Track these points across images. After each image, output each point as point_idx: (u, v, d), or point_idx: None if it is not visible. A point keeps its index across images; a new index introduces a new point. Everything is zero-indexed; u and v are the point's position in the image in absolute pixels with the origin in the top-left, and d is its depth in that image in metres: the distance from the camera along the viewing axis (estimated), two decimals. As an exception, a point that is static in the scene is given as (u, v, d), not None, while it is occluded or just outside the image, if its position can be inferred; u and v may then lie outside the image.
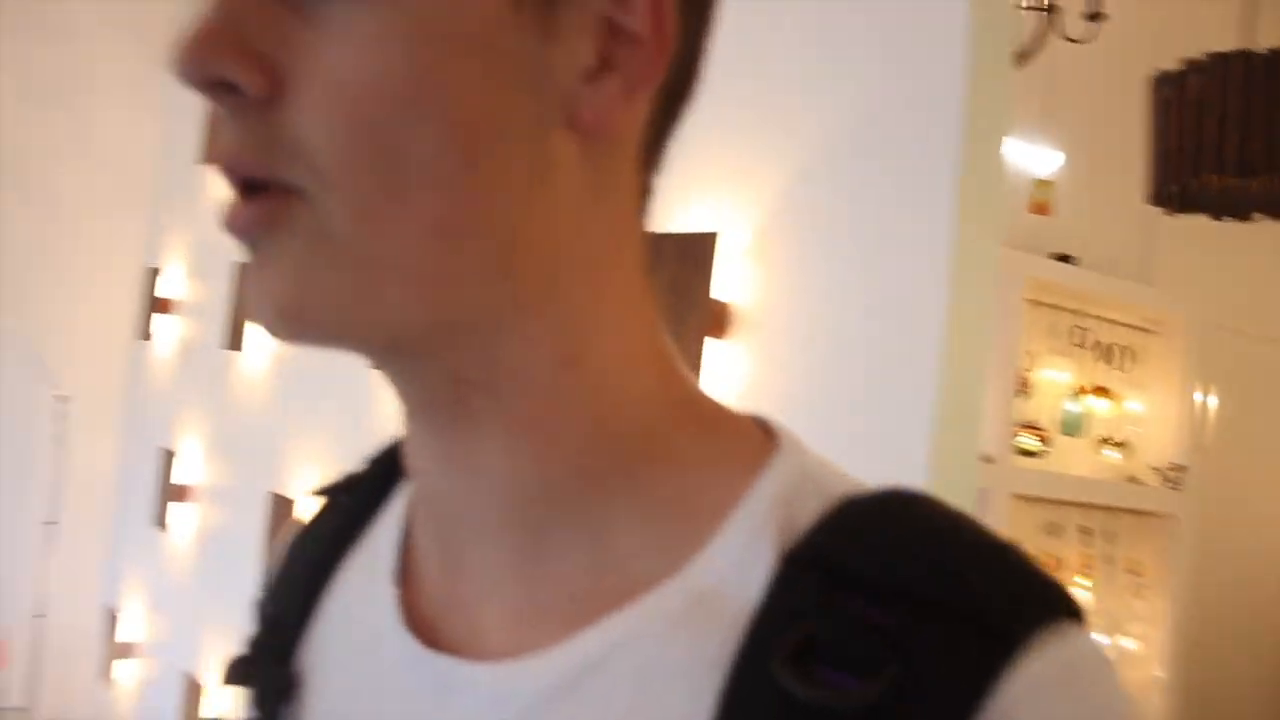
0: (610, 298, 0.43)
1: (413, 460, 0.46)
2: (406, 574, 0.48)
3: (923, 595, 0.37)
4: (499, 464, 0.42)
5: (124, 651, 3.55)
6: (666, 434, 0.44)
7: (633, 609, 0.41)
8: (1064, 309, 4.06)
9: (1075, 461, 3.96)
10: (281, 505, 2.72)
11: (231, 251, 2.41)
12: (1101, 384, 4.18)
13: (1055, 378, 4.15)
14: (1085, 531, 3.81)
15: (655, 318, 0.45)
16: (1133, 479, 3.99)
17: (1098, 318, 4.23)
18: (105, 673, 3.60)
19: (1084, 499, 3.75)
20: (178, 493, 3.30)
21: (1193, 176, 2.83)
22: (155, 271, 3.70)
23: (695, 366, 1.76)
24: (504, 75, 0.38)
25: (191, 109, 3.69)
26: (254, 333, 3.03)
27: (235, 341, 3.10)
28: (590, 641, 0.41)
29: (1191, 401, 4.28)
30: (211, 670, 3.00)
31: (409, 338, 0.40)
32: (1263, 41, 2.78)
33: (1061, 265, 3.84)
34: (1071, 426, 4.03)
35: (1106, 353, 4.29)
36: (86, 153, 3.72)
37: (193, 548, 3.27)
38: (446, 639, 0.44)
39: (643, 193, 0.45)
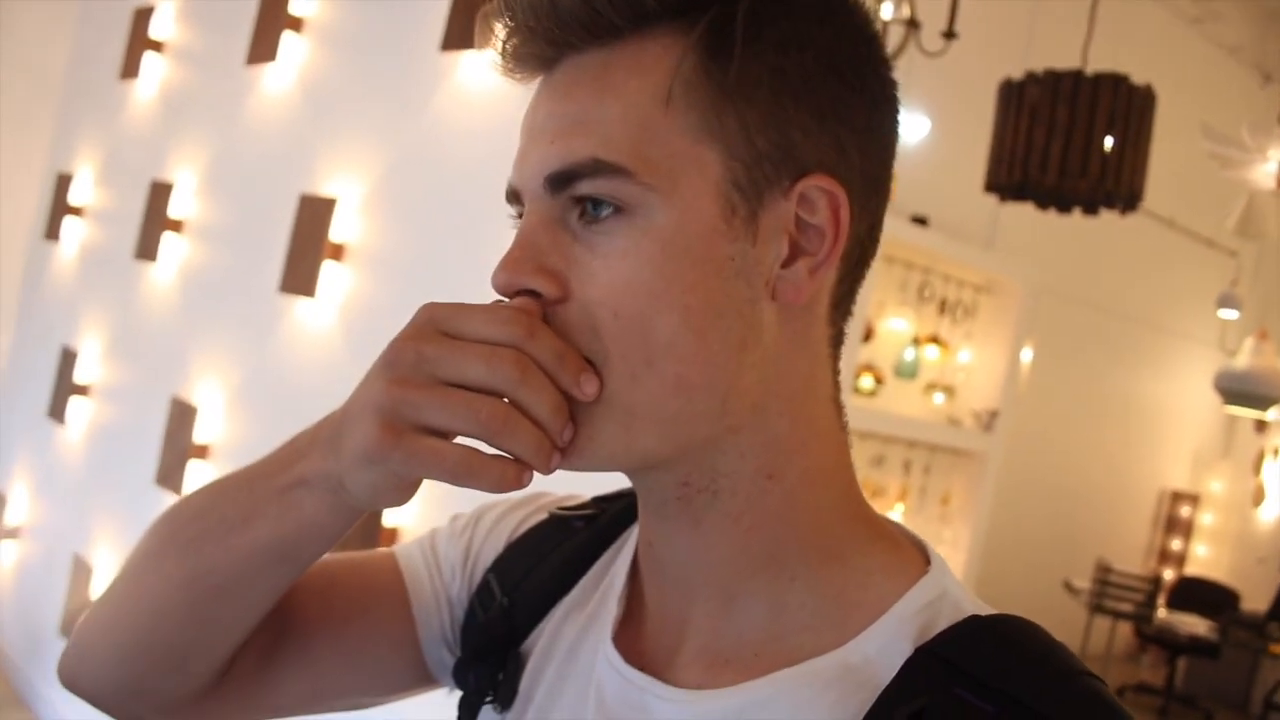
0: (804, 427, 0.54)
1: (645, 533, 0.58)
2: (629, 607, 0.61)
3: (1015, 695, 0.47)
4: (709, 546, 0.54)
5: (10, 533, 3.66)
6: (841, 540, 0.55)
7: (797, 669, 0.52)
8: (915, 265, 4.44)
9: (905, 402, 4.39)
10: (181, 408, 2.88)
11: (146, 166, 2.61)
12: (937, 335, 4.62)
13: (898, 327, 4.56)
14: (907, 465, 4.26)
15: (843, 440, 0.56)
16: (953, 420, 4.43)
17: (944, 275, 4.64)
18: (-12, 552, 3.70)
19: (908, 436, 4.19)
20: (77, 389, 3.40)
21: (1023, 173, 3.20)
22: (67, 177, 3.72)
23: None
24: (723, 272, 0.50)
25: (109, 23, 3.69)
26: (168, 244, 3.13)
27: (148, 251, 3.19)
28: (761, 688, 0.52)
29: (1014, 355, 4.78)
30: (101, 555, 3.16)
31: (655, 462, 0.52)
32: (1094, 65, 3.16)
33: (916, 227, 4.19)
34: (906, 371, 4.47)
35: (948, 307, 4.71)
36: (1, 58, 3.68)
37: (88, 442, 3.39)
38: (648, 665, 0.57)
39: (835, 339, 0.56)
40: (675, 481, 0.54)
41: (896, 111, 0.55)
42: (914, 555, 0.56)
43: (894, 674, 0.49)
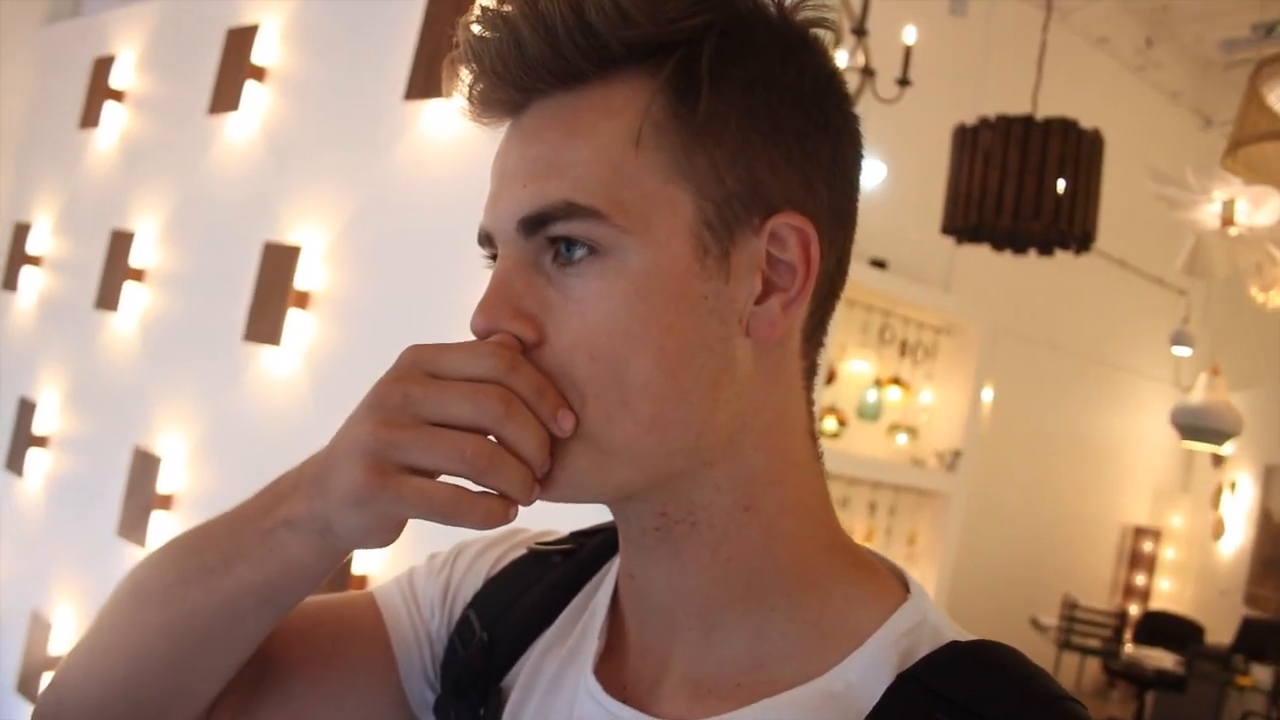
0: (780, 459, 0.55)
1: (626, 564, 0.59)
2: (610, 639, 0.62)
3: (990, 717, 0.48)
4: (689, 576, 0.55)
5: (-37, 590, 3.58)
6: (820, 569, 0.55)
7: (780, 698, 0.52)
8: (876, 308, 4.51)
9: (869, 444, 4.44)
10: (143, 459, 2.84)
11: (107, 215, 2.58)
12: (899, 376, 4.68)
13: (860, 369, 4.63)
14: (872, 506, 4.30)
15: (819, 471, 0.57)
16: (917, 461, 4.48)
17: (904, 318, 4.72)
18: (-59, 610, 3.61)
19: (872, 477, 4.24)
20: (35, 440, 3.35)
21: (979, 215, 3.27)
22: (25, 226, 3.69)
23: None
24: (697, 311, 0.51)
25: (67, 72, 3.68)
26: (129, 294, 3.11)
27: (108, 301, 3.17)
28: (744, 716, 0.52)
29: (975, 395, 4.84)
30: (61, 611, 3.10)
31: (631, 493, 0.53)
32: (1043, 110, 3.26)
33: (876, 270, 4.27)
34: (869, 412, 4.53)
35: (908, 349, 4.78)
36: None
37: (47, 494, 3.33)
38: (630, 697, 0.57)
39: (808, 371, 0.57)
40: (653, 513, 0.54)
41: (860, 146, 0.56)
42: (892, 583, 0.57)
43: (875, 700, 0.50)
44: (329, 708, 0.65)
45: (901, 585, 0.57)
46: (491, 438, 0.50)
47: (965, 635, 0.54)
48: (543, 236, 0.51)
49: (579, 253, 0.51)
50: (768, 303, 0.53)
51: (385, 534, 0.52)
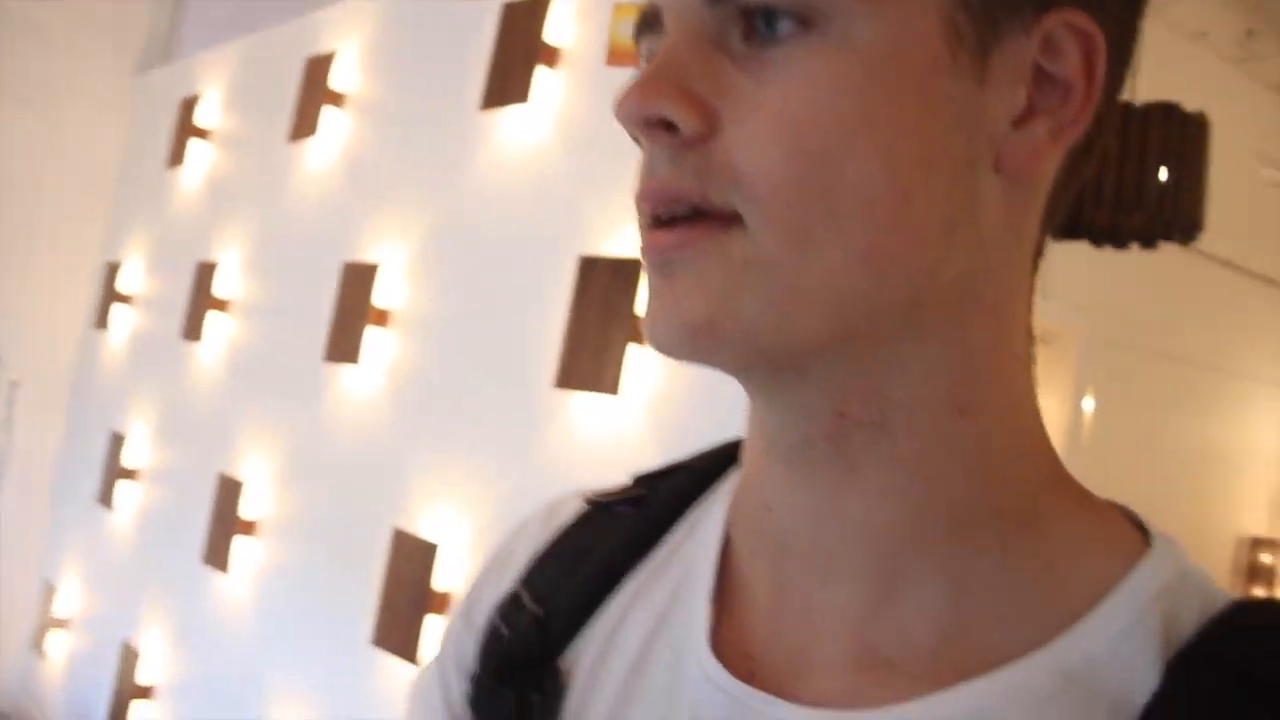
0: (1009, 346, 0.42)
1: (760, 493, 0.44)
2: (722, 599, 0.46)
3: None
4: (867, 508, 0.40)
5: (59, 624, 3.63)
6: (1041, 503, 0.41)
7: (995, 678, 0.38)
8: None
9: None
10: (228, 486, 2.85)
11: (192, 249, 2.59)
12: (994, 389, 4.52)
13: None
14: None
15: (1035, 378, 0.44)
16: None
17: (995, 327, 4.56)
18: (39, 644, 3.67)
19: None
20: (125, 473, 3.39)
21: (1077, 209, 3.12)
22: (115, 266, 3.77)
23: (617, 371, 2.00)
24: (940, 116, 0.38)
25: (157, 115, 3.77)
26: (213, 323, 3.14)
27: (194, 332, 3.20)
28: (944, 705, 0.38)
29: (1076, 406, 4.65)
30: (149, 640, 3.11)
31: (807, 360, 0.39)
32: (1142, 95, 3.10)
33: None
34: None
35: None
36: (55, 153, 3.78)
37: (137, 525, 3.36)
38: (761, 675, 0.42)
39: (1040, 246, 0.44)
40: (827, 409, 0.40)
41: None
42: (1127, 526, 0.43)
43: (1140, 683, 0.37)
44: None
45: (1140, 531, 0.43)
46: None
47: (1226, 591, 0.41)
48: (734, 3, 0.38)
49: (784, 26, 0.37)
50: (1030, 127, 0.40)
51: None
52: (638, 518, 0.53)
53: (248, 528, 2.75)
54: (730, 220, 0.38)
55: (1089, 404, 4.77)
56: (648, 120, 0.38)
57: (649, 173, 0.39)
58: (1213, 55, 5.31)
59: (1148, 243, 3.37)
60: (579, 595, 0.51)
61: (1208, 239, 3.35)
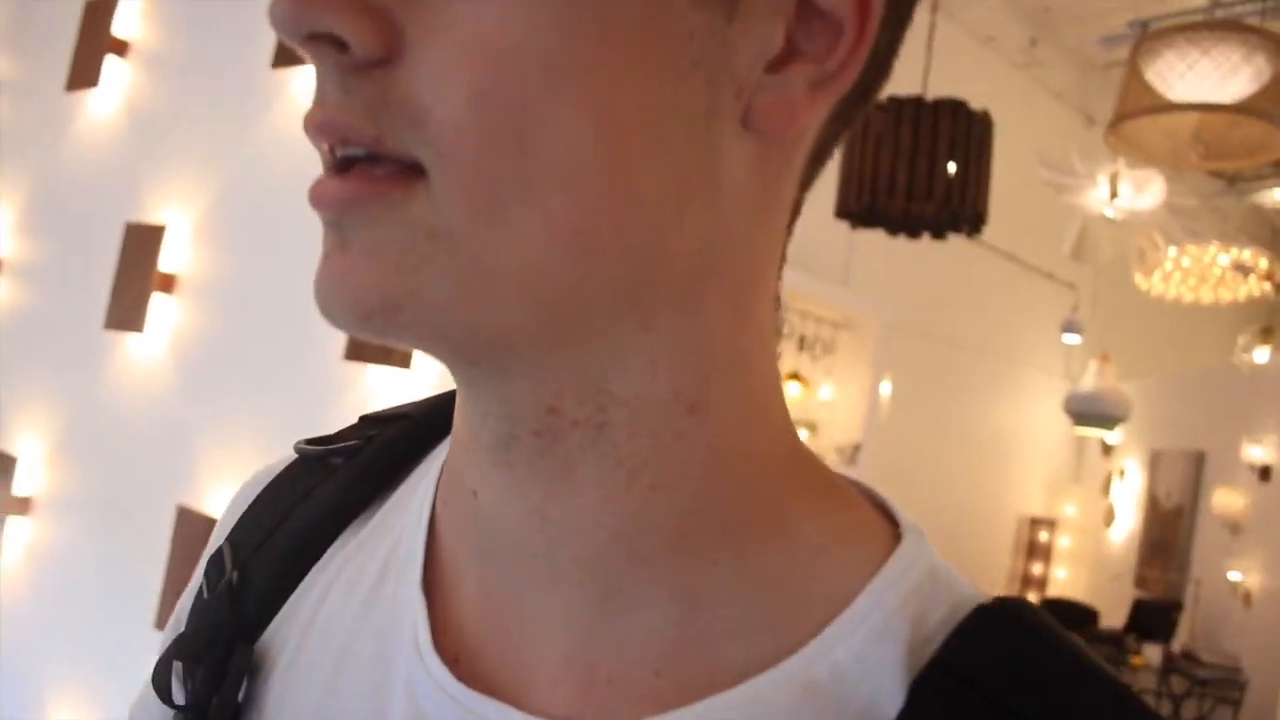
0: (753, 322, 0.36)
1: (466, 476, 0.38)
2: (431, 585, 0.40)
3: None
4: (583, 513, 0.35)
5: None
6: (782, 501, 0.37)
7: (729, 695, 0.34)
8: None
9: (772, 438, 4.43)
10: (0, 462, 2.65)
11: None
12: (797, 372, 4.70)
13: (760, 363, 4.62)
14: (776, 500, 4.29)
15: (777, 355, 0.38)
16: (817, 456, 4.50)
17: (802, 313, 4.75)
18: None
19: (776, 471, 4.22)
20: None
21: (871, 197, 3.28)
22: None
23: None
24: (675, 56, 0.30)
25: None
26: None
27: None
28: None
29: (874, 389, 4.90)
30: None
31: (508, 353, 0.32)
32: (933, 92, 3.28)
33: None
34: (771, 407, 4.52)
35: (807, 344, 4.82)
36: None
37: None
38: (482, 677, 0.37)
39: (796, 210, 0.37)
40: (535, 405, 0.34)
41: None
42: (876, 519, 0.39)
43: (889, 695, 0.34)
44: None
45: (889, 522, 0.39)
46: None
47: (975, 588, 0.38)
48: None
49: None
50: (787, 74, 0.32)
51: None
52: (350, 474, 0.46)
53: (21, 506, 2.56)
54: (412, 173, 0.30)
55: (886, 388, 5.04)
56: (312, 34, 0.30)
57: (317, 99, 0.32)
58: (1000, 59, 5.68)
59: (938, 233, 3.58)
60: (276, 564, 0.44)
61: (993, 233, 3.58)
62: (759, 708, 0.34)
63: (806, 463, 0.38)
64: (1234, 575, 5.35)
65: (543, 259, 0.30)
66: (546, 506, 0.35)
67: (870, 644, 0.35)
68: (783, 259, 0.37)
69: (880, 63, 0.35)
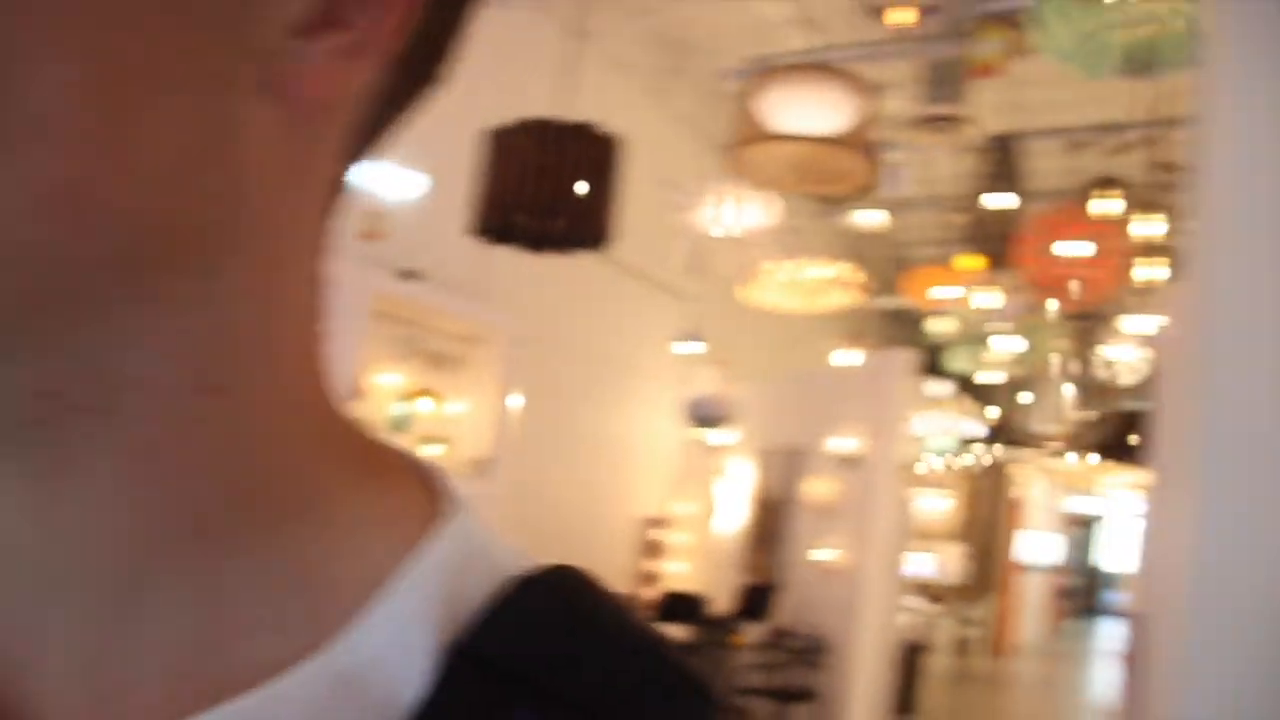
0: (282, 314, 0.33)
1: None
2: None
3: (593, 711, 0.33)
4: (84, 509, 0.32)
5: None
6: (320, 486, 0.35)
7: (250, 697, 0.32)
8: (401, 319, 4.43)
9: (403, 457, 4.35)
10: None
11: None
12: (428, 388, 4.64)
13: (389, 382, 4.52)
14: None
15: (321, 329, 0.36)
16: (449, 472, 4.49)
17: (433, 329, 4.69)
18: None
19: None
20: None
21: (503, 216, 3.32)
22: None
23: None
24: (183, 9, 0.28)
25: None
26: None
27: None
28: None
29: (503, 402, 4.96)
30: None
31: None
32: (577, 114, 3.39)
33: (403, 283, 4.18)
34: (398, 425, 4.43)
35: (436, 360, 4.77)
36: None
37: None
38: None
39: (337, 187, 0.35)
40: (27, 390, 0.29)
41: None
42: (419, 497, 0.37)
43: (417, 687, 0.32)
44: None
45: (432, 494, 0.37)
46: None
47: (527, 560, 0.37)
48: None
49: None
50: (317, 39, 0.30)
51: None
52: None
53: None
54: None
55: (517, 400, 5.12)
56: None
57: None
58: (636, 86, 6.01)
59: (566, 249, 3.71)
60: None
61: (620, 249, 3.76)
62: (281, 705, 0.31)
63: (354, 448, 0.36)
64: (817, 555, 6.13)
65: (15, 221, 0.26)
66: (51, 504, 0.31)
67: (401, 632, 0.33)
68: (325, 237, 0.35)
69: (432, 41, 0.34)
